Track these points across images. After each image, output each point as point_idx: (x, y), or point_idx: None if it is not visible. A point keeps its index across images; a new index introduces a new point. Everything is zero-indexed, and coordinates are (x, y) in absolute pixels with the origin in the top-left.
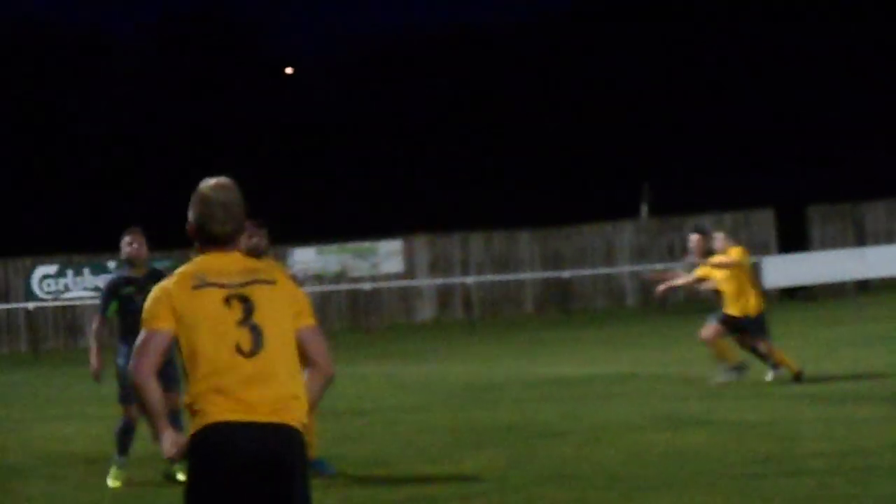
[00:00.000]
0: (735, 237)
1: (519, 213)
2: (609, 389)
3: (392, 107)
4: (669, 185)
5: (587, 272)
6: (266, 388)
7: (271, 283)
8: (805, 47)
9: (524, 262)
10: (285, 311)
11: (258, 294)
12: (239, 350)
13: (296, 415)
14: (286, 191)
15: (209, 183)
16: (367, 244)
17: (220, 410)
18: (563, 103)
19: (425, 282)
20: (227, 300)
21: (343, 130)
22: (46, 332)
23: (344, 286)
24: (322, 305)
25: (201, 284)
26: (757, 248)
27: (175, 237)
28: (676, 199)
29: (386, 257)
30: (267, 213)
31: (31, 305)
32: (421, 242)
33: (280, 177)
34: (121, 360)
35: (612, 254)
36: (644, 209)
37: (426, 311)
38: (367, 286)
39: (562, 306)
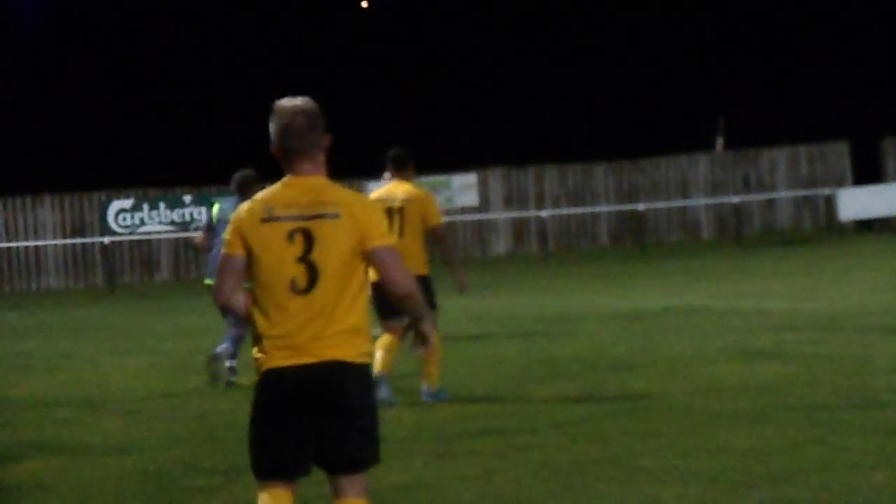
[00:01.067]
0: (810, 169)
1: (593, 146)
2: (682, 322)
3: (464, 39)
4: (744, 118)
5: (662, 205)
6: (317, 325)
7: (336, 216)
8: None
9: (599, 195)
10: (347, 244)
11: (321, 229)
12: (293, 286)
13: (350, 350)
14: (360, 124)
15: (285, 99)
16: (441, 177)
17: (274, 356)
18: (638, 36)
19: (500, 215)
20: (291, 235)
21: (416, 63)
22: (122, 266)
23: None
24: None
25: (269, 217)
26: (832, 180)
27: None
28: (751, 131)
29: (460, 191)
30: (341, 147)
31: (106, 240)
32: (495, 176)
33: (353, 110)
34: None
35: (686, 186)
36: (719, 142)
37: (501, 244)
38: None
39: (636, 239)
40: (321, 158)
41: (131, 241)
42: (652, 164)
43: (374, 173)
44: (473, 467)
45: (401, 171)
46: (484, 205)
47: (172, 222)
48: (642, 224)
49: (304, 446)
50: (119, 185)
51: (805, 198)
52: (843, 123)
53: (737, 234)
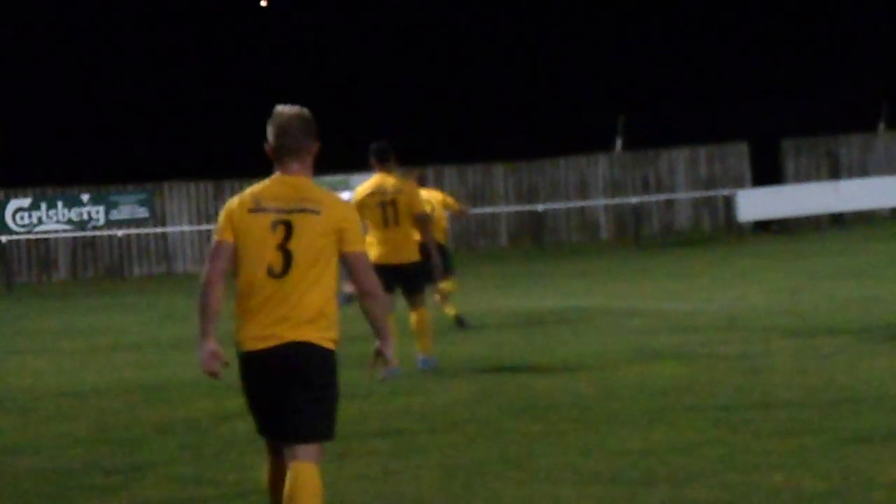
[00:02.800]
0: (709, 170)
1: (493, 147)
2: (581, 323)
3: (362, 40)
4: (644, 119)
5: (561, 205)
6: (287, 307)
7: (316, 212)
8: None
9: (498, 196)
10: (323, 238)
11: (300, 221)
12: (270, 271)
13: (314, 333)
14: (261, 122)
15: (284, 105)
16: (340, 177)
17: (249, 339)
18: (537, 36)
19: None
20: (274, 225)
21: (315, 60)
22: (20, 265)
23: None
24: None
25: (256, 209)
26: (731, 181)
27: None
28: (651, 132)
29: None
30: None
31: (4, 239)
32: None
33: (253, 108)
34: None
35: (586, 187)
36: (618, 142)
37: None
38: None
39: (536, 239)
40: (309, 161)
41: (29, 241)
42: (551, 165)
43: (266, 171)
44: (372, 468)
45: (384, 164)
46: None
47: (70, 221)
48: (541, 224)
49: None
50: (17, 184)
51: (704, 198)
52: (742, 124)
53: (636, 235)
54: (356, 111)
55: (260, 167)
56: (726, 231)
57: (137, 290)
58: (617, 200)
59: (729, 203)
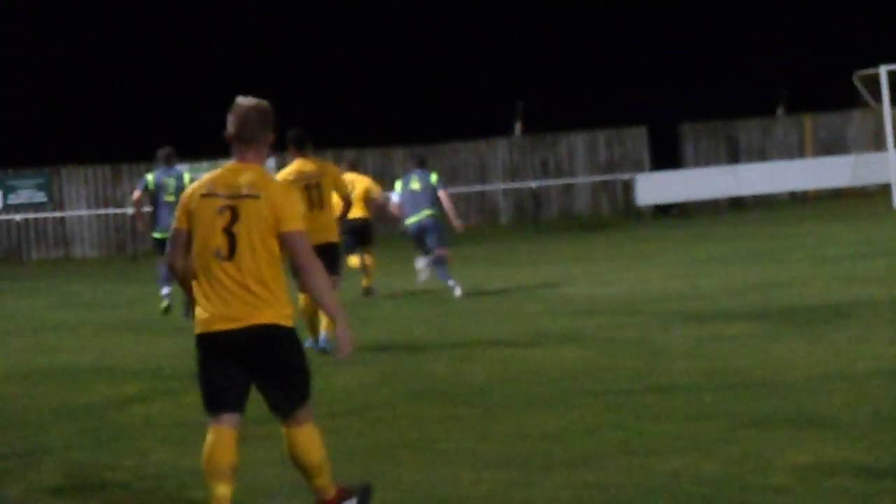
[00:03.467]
0: (608, 154)
1: (392, 131)
2: (480, 306)
3: (263, 21)
4: (543, 103)
5: (461, 189)
6: (236, 288)
7: (256, 197)
8: None
9: (398, 179)
10: (263, 222)
11: (244, 206)
12: (218, 253)
13: (268, 313)
14: (156, 107)
15: (245, 97)
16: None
17: (206, 320)
18: (437, 19)
19: None
20: (221, 210)
21: (214, 44)
22: None
23: None
24: None
25: (208, 193)
26: (630, 165)
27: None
28: (550, 116)
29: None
30: (137, 130)
31: None
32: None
33: (148, 93)
34: None
35: (485, 171)
36: (517, 127)
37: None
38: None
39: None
40: (264, 150)
41: None
42: (451, 149)
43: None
44: (271, 452)
45: (302, 150)
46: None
47: None
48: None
49: (238, 391)
50: None
51: (603, 183)
52: (641, 109)
53: (535, 219)
54: (251, 93)
55: (154, 151)
56: (625, 215)
57: (35, 274)
58: (516, 185)
59: (628, 187)
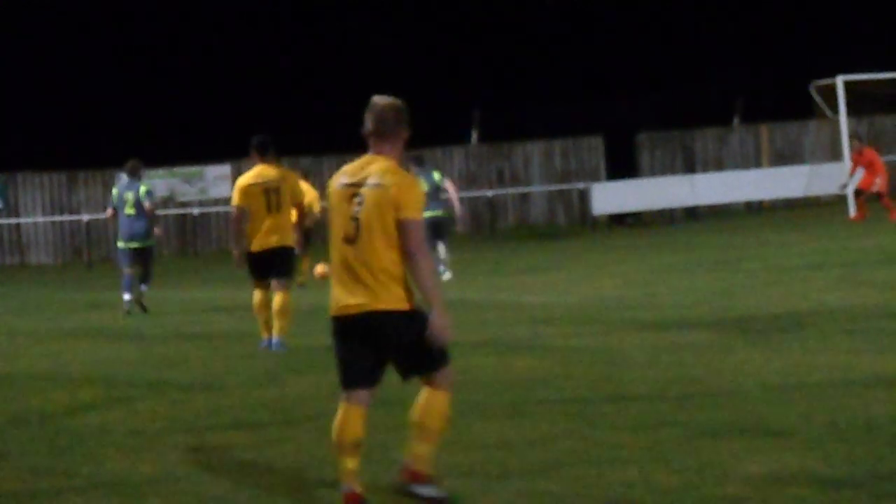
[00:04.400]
0: (565, 163)
1: (347, 139)
2: None
3: (215, 30)
4: (499, 112)
5: None
6: (362, 271)
7: (382, 186)
8: None
9: None
10: (385, 210)
11: (370, 195)
12: (346, 238)
13: (384, 299)
14: (113, 115)
15: (381, 96)
16: (195, 168)
17: (336, 303)
18: (392, 28)
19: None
20: (350, 197)
21: (171, 54)
22: None
23: (172, 211)
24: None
25: (342, 183)
26: (586, 174)
27: None
28: (506, 125)
29: (214, 182)
30: (94, 138)
31: None
32: (249, 167)
33: (107, 100)
34: None
35: None
36: (474, 135)
37: None
38: (195, 210)
39: None
40: (399, 145)
41: None
42: (406, 157)
43: (119, 162)
44: (227, 460)
45: (265, 156)
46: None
47: None
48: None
49: (367, 369)
50: None
51: (559, 192)
52: (597, 118)
53: (491, 228)
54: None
55: (116, 157)
56: (581, 224)
57: None
58: (472, 193)
59: (584, 196)
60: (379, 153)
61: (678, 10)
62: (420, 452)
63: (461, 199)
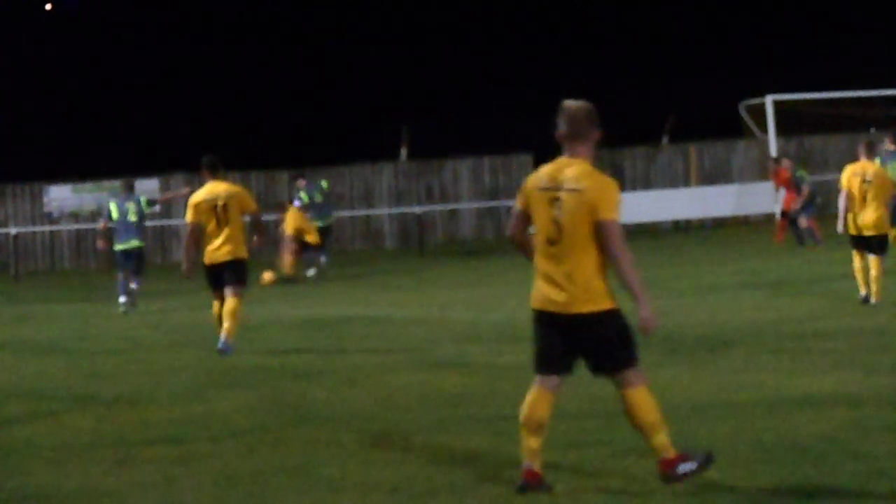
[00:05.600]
0: (493, 181)
1: (277, 154)
2: (365, 331)
3: (146, 43)
4: (429, 128)
5: (346, 213)
6: (562, 272)
7: (578, 190)
8: None
9: (283, 203)
10: (583, 212)
11: (567, 198)
12: (548, 239)
13: (582, 302)
14: (41, 128)
15: (573, 101)
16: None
17: (538, 298)
18: (322, 43)
19: (182, 221)
20: (549, 200)
21: (97, 66)
22: None
23: (101, 224)
24: (78, 243)
25: (542, 186)
26: (515, 192)
27: None
28: (435, 142)
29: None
30: (22, 151)
31: None
32: (178, 181)
33: (35, 113)
34: None
35: (370, 196)
36: (403, 152)
37: (182, 250)
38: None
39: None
40: (591, 147)
41: None
42: (336, 173)
43: (48, 175)
44: (153, 474)
45: (215, 173)
46: (165, 210)
47: None
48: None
49: (561, 359)
50: None
51: (488, 209)
52: (527, 136)
53: (420, 244)
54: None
55: (44, 171)
56: (510, 242)
57: None
58: (401, 209)
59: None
60: (573, 155)
61: (608, 28)
62: (657, 444)
63: (390, 215)
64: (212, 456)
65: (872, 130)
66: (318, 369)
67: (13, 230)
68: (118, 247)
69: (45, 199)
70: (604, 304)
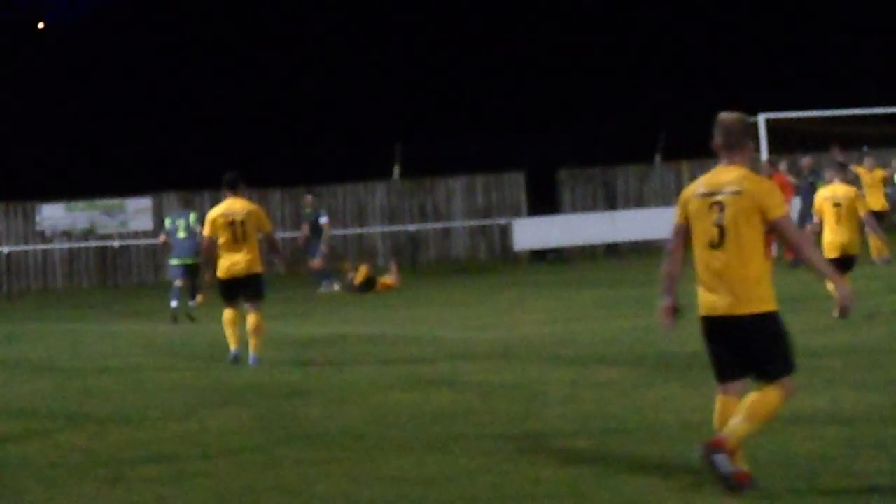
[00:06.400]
0: (486, 199)
1: (270, 172)
2: (357, 349)
3: (138, 63)
4: (422, 147)
5: (339, 232)
6: (726, 274)
7: (739, 192)
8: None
9: (275, 221)
10: (746, 214)
11: (729, 201)
12: (710, 244)
13: (745, 303)
14: (34, 146)
15: (728, 112)
16: (115, 201)
17: (703, 305)
18: (316, 62)
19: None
20: (711, 206)
21: (90, 86)
22: None
23: (93, 243)
24: (70, 262)
25: (702, 193)
26: (507, 210)
27: None
28: (428, 160)
29: (135, 215)
30: (14, 169)
31: None
32: (170, 200)
33: (28, 132)
34: None
35: (363, 214)
36: (396, 170)
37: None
38: (115, 243)
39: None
40: (748, 154)
41: None
42: (329, 192)
43: (40, 194)
44: (145, 493)
45: (235, 190)
46: (159, 229)
47: None
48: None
49: (737, 363)
50: None
51: (481, 227)
52: (519, 154)
53: (413, 262)
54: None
55: (37, 189)
56: (502, 260)
57: None
58: (394, 227)
59: (505, 232)
60: (731, 163)
61: (600, 47)
62: (735, 428)
63: (383, 233)
64: (204, 474)
65: (865, 148)
66: (310, 387)
67: (5, 249)
68: (172, 261)
69: (38, 218)
70: (766, 307)
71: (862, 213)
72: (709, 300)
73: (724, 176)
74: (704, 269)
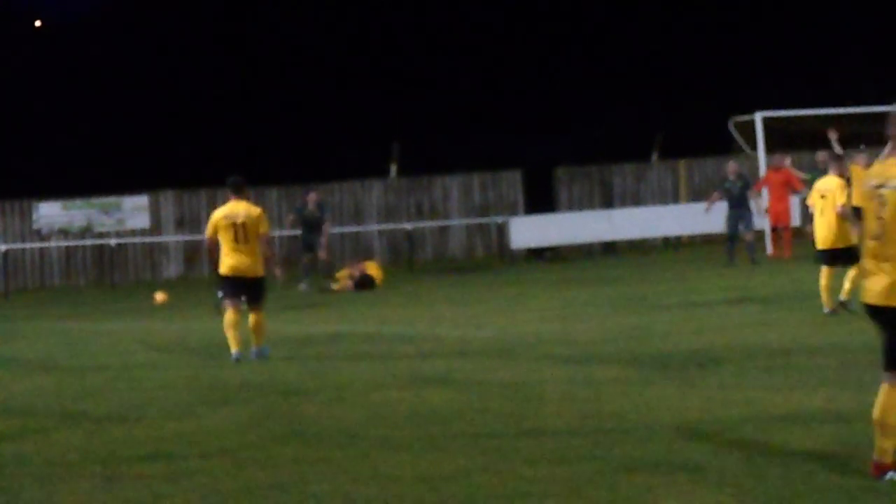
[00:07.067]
0: (483, 197)
1: (267, 171)
2: (354, 348)
3: (136, 62)
4: (419, 145)
5: (336, 230)
6: (886, 268)
7: None
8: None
9: (272, 220)
10: None
11: (890, 196)
12: (874, 236)
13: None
14: (31, 145)
15: None
16: (112, 199)
17: (865, 293)
18: (312, 60)
19: (172, 238)
20: (876, 198)
21: (88, 85)
22: None
23: (89, 241)
24: (67, 260)
25: (867, 184)
26: (504, 208)
27: None
28: (425, 158)
29: (132, 213)
30: (11, 167)
31: None
32: (167, 198)
33: (25, 130)
34: None
35: (360, 212)
36: (393, 168)
37: (172, 267)
38: (112, 242)
39: (311, 263)
40: None
41: None
42: (326, 189)
43: (37, 192)
44: (141, 491)
45: (239, 194)
46: (156, 227)
47: None
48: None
49: None
50: None
51: (478, 225)
52: (516, 153)
53: (410, 261)
54: (108, 134)
55: (33, 188)
56: (499, 258)
57: None
58: (391, 226)
59: (502, 230)
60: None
61: (597, 45)
62: (884, 447)
63: (380, 231)
64: (201, 472)
65: (863, 147)
66: (306, 385)
67: (2, 247)
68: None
69: (35, 216)
70: None
71: (839, 203)
72: (870, 289)
73: (893, 169)
74: (868, 259)
